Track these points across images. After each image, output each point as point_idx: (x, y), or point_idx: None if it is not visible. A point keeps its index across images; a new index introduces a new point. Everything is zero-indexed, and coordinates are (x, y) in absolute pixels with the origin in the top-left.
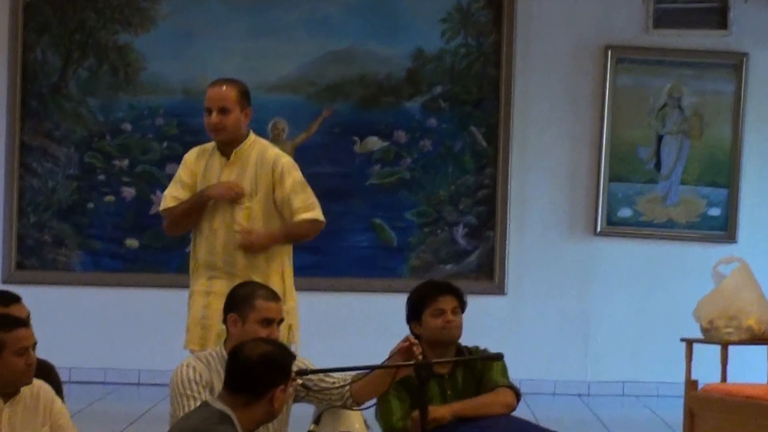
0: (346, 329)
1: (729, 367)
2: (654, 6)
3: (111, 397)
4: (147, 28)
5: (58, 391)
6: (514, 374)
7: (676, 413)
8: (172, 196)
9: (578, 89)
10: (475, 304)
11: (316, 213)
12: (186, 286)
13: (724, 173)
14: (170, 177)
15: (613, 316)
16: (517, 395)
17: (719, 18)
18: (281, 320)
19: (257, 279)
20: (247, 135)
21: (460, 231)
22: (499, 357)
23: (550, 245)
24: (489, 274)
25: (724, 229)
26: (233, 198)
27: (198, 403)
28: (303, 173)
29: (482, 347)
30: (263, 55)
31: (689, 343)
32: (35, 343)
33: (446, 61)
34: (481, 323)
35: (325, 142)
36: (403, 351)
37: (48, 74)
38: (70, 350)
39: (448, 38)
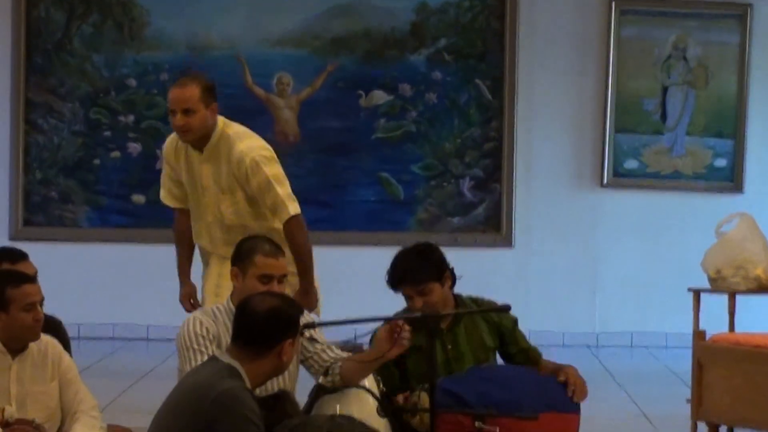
0: (354, 283)
1: (736, 317)
2: None
3: (119, 352)
4: None
5: (66, 346)
6: (523, 326)
7: (684, 363)
8: (172, 195)
9: (583, 41)
10: (482, 256)
11: (285, 212)
12: None
13: (729, 124)
14: None
15: (621, 267)
16: None
17: None
18: (283, 276)
19: None
20: (214, 128)
21: (466, 184)
22: (506, 308)
23: (556, 197)
24: (496, 226)
25: (730, 179)
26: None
27: (205, 357)
28: (309, 128)
29: (487, 299)
30: (267, 9)
31: (696, 293)
32: (42, 299)
33: (450, 14)
34: (489, 276)
35: (330, 97)
36: (389, 337)
37: (52, 31)
38: (78, 306)
39: None
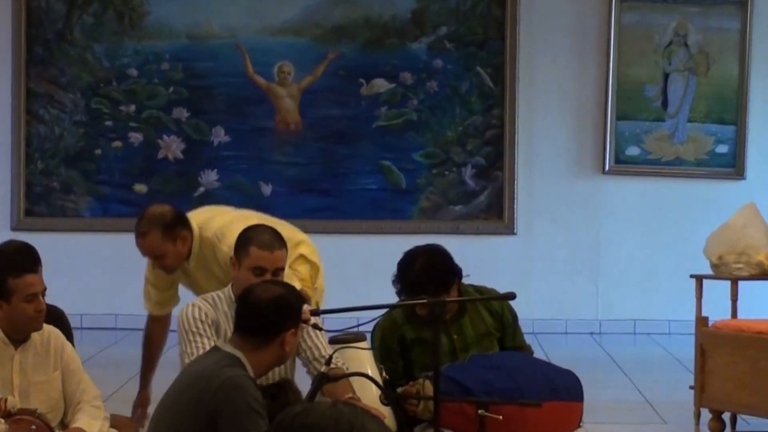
0: (356, 272)
1: (739, 303)
2: None
3: (122, 342)
4: None
5: (69, 337)
6: (526, 314)
7: (687, 350)
8: (159, 304)
9: (584, 28)
10: (485, 244)
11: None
12: None
13: (731, 110)
14: (177, 122)
15: (623, 254)
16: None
17: None
18: (279, 269)
19: None
20: (191, 244)
21: (468, 172)
22: (510, 296)
23: (558, 185)
24: (498, 214)
25: (732, 165)
26: None
27: (205, 340)
28: (310, 117)
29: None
30: None
31: (699, 279)
32: (44, 290)
33: (451, 2)
34: (492, 263)
35: (331, 85)
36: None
37: (53, 21)
38: (80, 297)
39: None
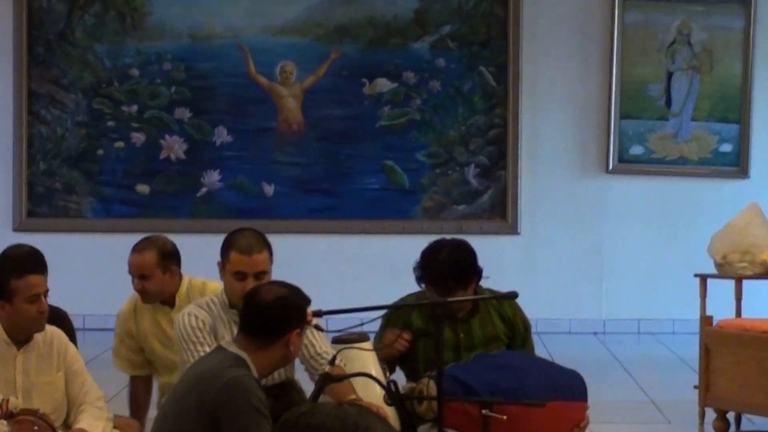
0: (359, 272)
1: (743, 303)
2: None
3: None
4: None
5: (72, 338)
6: (529, 314)
7: (691, 349)
8: (132, 364)
9: (587, 27)
10: (488, 244)
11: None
12: (197, 231)
13: (734, 109)
14: (179, 122)
15: (627, 253)
16: None
17: None
18: (261, 273)
19: None
20: (178, 286)
21: (471, 171)
22: (513, 296)
23: (562, 184)
24: (502, 214)
25: (736, 164)
26: None
27: (207, 348)
28: (312, 117)
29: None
30: None
31: (703, 278)
32: (47, 291)
33: (453, 1)
34: (495, 263)
35: (334, 85)
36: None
37: (54, 21)
38: (83, 297)
39: None
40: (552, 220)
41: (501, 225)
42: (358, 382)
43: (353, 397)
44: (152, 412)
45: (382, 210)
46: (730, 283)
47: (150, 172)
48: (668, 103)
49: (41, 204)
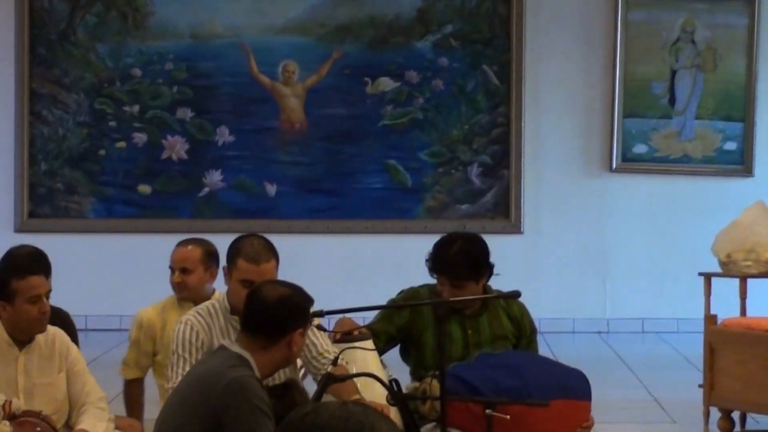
0: (362, 271)
1: (748, 301)
2: None
3: (126, 344)
4: None
5: (75, 339)
6: (533, 313)
7: (695, 348)
8: (139, 366)
9: (590, 25)
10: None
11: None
12: (200, 231)
13: (738, 107)
14: (181, 122)
15: (631, 252)
16: None
17: None
18: None
19: None
20: (212, 294)
21: (474, 170)
22: (516, 295)
23: (565, 183)
24: (505, 213)
25: (740, 162)
26: None
27: (188, 366)
28: (315, 116)
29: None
30: None
31: (707, 277)
32: (48, 291)
33: (456, 0)
34: (499, 263)
35: (337, 84)
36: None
37: (56, 21)
38: (85, 298)
39: None
40: (555, 219)
41: (504, 224)
42: (360, 382)
43: (357, 397)
44: (153, 413)
45: (384, 209)
46: (735, 282)
47: (152, 173)
48: (672, 101)
49: (43, 204)
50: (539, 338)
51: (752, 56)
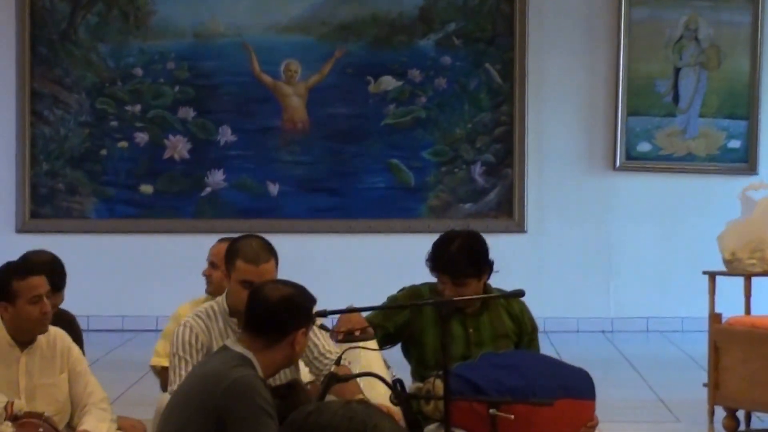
0: (364, 271)
1: (752, 300)
2: None
3: (129, 344)
4: None
5: (79, 341)
6: (537, 313)
7: (700, 347)
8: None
9: (593, 23)
10: (495, 242)
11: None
12: (202, 231)
13: (742, 105)
14: (183, 121)
15: (635, 251)
16: None
17: None
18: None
19: None
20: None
21: (477, 169)
22: (520, 294)
23: (569, 182)
24: (508, 212)
25: (744, 160)
26: None
27: (189, 367)
28: (317, 115)
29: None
30: None
31: (712, 276)
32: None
33: None
34: (502, 262)
35: (339, 83)
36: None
37: (57, 21)
38: (87, 299)
39: None
40: (559, 218)
41: (508, 223)
42: (364, 382)
43: (360, 396)
44: (151, 413)
45: (387, 209)
46: (739, 281)
47: (154, 172)
48: (676, 99)
49: (44, 205)
50: (543, 337)
51: (756, 54)
